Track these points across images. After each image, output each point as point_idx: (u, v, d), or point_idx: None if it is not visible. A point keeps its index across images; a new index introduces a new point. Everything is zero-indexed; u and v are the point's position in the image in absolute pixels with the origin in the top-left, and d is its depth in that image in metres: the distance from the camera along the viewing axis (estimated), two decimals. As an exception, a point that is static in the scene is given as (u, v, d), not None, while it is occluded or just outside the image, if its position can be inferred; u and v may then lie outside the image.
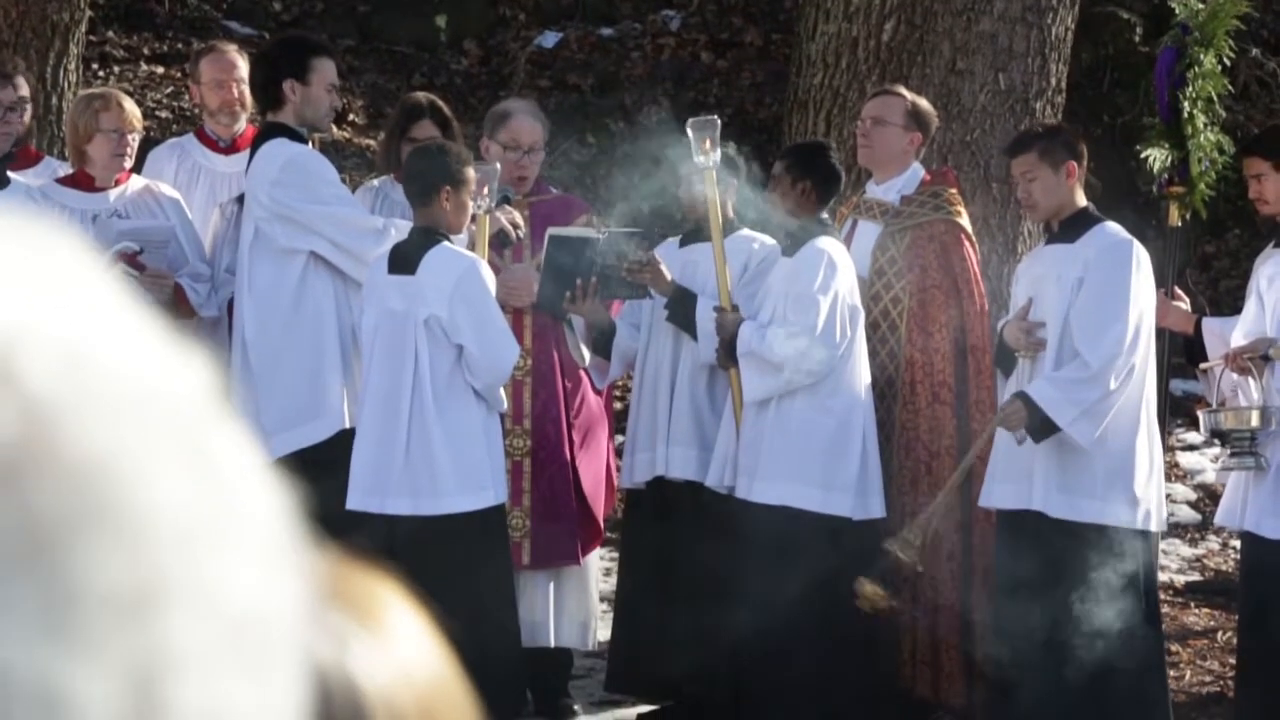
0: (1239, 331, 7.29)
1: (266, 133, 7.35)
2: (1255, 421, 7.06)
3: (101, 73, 12.40)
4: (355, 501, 6.88)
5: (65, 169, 7.81)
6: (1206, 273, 12.65)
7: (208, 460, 0.74)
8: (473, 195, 6.96)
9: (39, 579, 0.69)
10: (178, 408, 0.74)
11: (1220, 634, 9.02)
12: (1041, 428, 6.95)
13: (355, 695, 1.03)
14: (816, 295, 7.08)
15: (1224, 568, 10.13)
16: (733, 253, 7.35)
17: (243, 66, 7.99)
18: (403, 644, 1.06)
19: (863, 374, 7.23)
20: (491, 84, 12.80)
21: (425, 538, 6.78)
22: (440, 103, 7.92)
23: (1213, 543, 10.59)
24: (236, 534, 0.74)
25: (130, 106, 7.65)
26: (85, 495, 0.70)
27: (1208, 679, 8.56)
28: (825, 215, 7.32)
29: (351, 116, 12.75)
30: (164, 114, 12.35)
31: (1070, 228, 7.21)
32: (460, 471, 6.84)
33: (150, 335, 0.74)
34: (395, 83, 12.83)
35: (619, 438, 8.24)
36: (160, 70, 12.87)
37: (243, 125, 8.09)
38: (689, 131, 7.25)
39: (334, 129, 12.34)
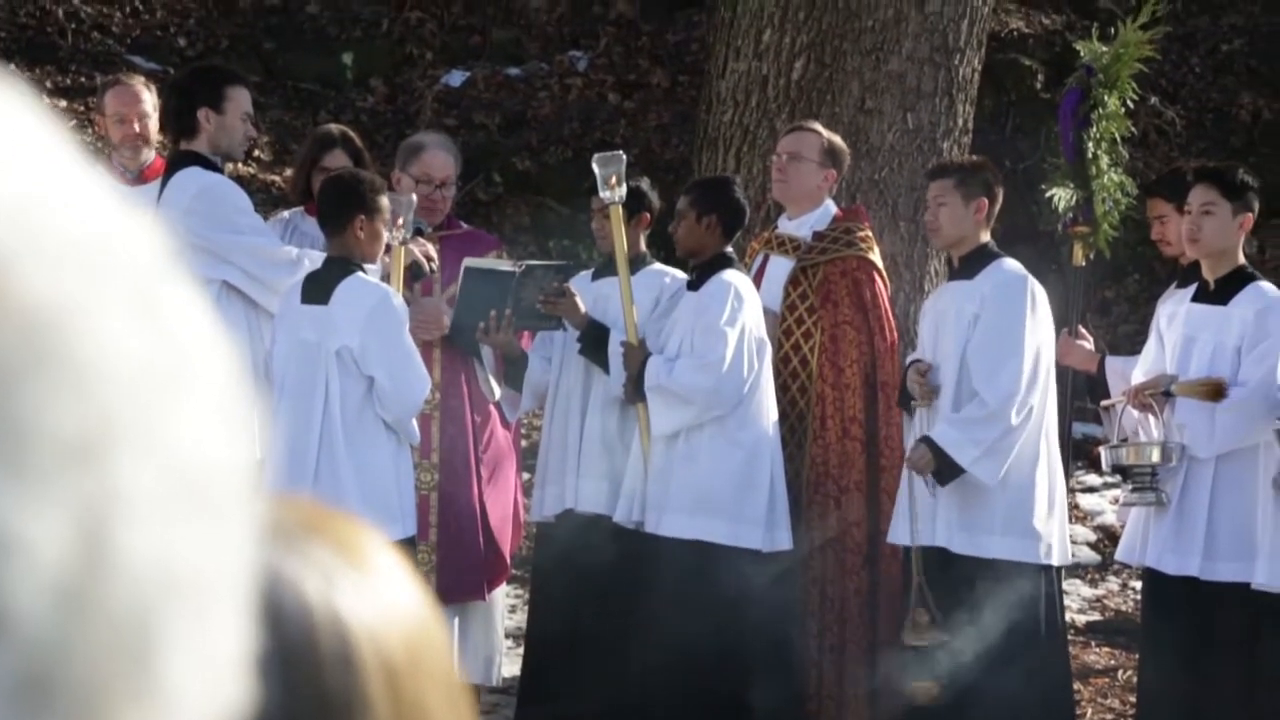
0: (1139, 369, 7.38)
1: (180, 161, 7.31)
2: (1156, 457, 7.13)
3: (4, 105, 12.30)
4: (263, 533, 6.83)
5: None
6: (1106, 317, 12.79)
7: (158, 313, 0.74)
8: (387, 225, 6.95)
9: None
10: (128, 262, 0.74)
11: (1121, 672, 9.10)
12: (947, 470, 7.01)
13: (342, 629, 1.03)
14: (724, 328, 7.12)
15: (1124, 608, 10.22)
16: (644, 287, 7.38)
17: (148, 99, 7.93)
18: (389, 584, 1.07)
19: (770, 407, 7.26)
20: (398, 122, 12.79)
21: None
22: (352, 134, 7.91)
23: (1113, 583, 10.68)
24: (187, 385, 0.74)
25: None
26: (31, 340, 0.70)
27: (1109, 717, 8.63)
28: (730, 249, 7.37)
29: (257, 153, 12.70)
30: (67, 147, 12.26)
31: (969, 264, 7.30)
32: (368, 504, 6.81)
33: (103, 194, 0.75)
34: (301, 120, 12.81)
35: (526, 475, 8.23)
36: (63, 103, 12.78)
37: (150, 156, 8.03)
38: (595, 167, 7.29)
39: (239, 164, 12.30)
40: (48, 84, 12.92)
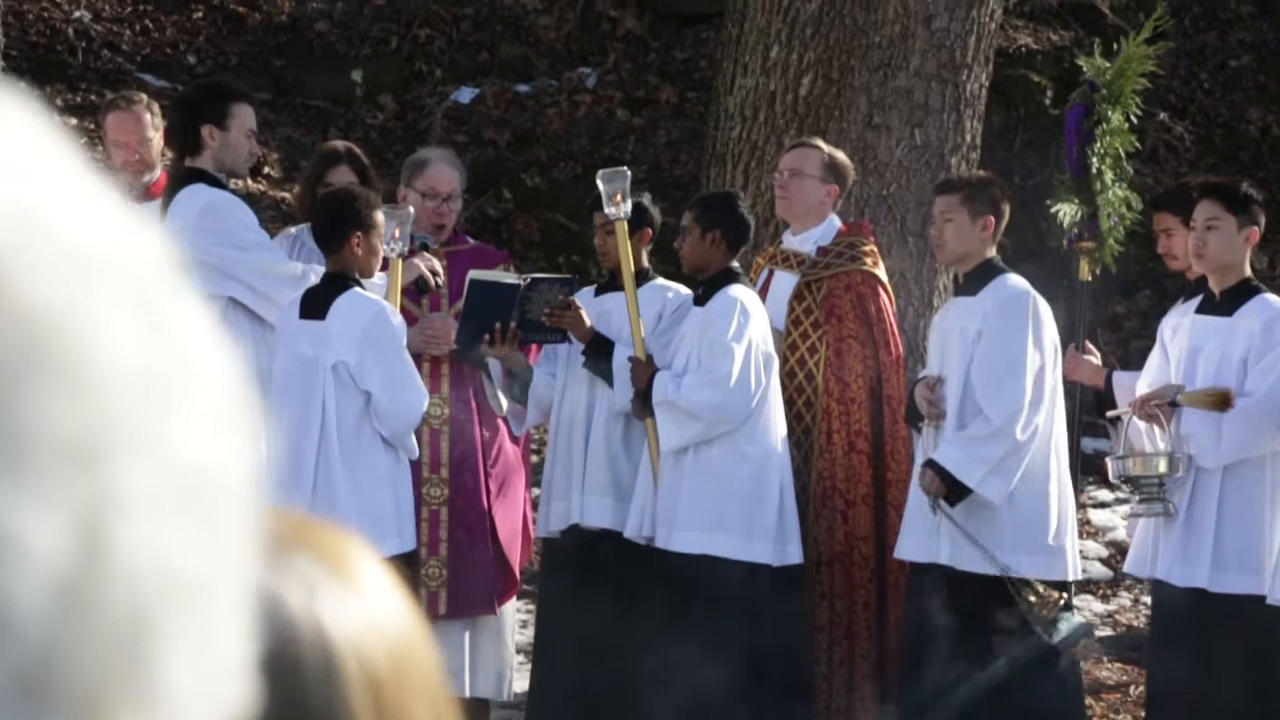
0: (1143, 380, 7.37)
1: (184, 178, 7.32)
2: (1163, 468, 7.13)
3: (14, 123, 12.33)
4: (265, 548, 6.84)
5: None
6: (1117, 333, 12.78)
7: (160, 319, 0.75)
8: (383, 239, 6.96)
9: None
10: (131, 268, 0.75)
11: (1133, 688, 9.08)
12: (954, 491, 7.00)
13: (325, 641, 1.03)
14: (730, 343, 7.13)
15: (1136, 623, 10.21)
16: (647, 302, 7.39)
17: (149, 122, 7.93)
18: (374, 596, 1.07)
19: (778, 421, 7.26)
20: (407, 138, 12.81)
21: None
22: (358, 150, 7.92)
23: (1124, 599, 10.67)
24: (187, 390, 0.75)
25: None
26: (32, 343, 0.71)
27: (1120, 731, 8.63)
28: (735, 264, 7.38)
29: (267, 170, 12.73)
30: (77, 165, 12.29)
31: (973, 280, 7.30)
32: (365, 518, 6.80)
33: (108, 201, 0.76)
34: (311, 136, 12.82)
35: (535, 490, 8.24)
36: (74, 121, 12.81)
37: (156, 174, 8.04)
38: (599, 183, 7.30)
39: (248, 181, 12.32)
40: (58, 101, 12.94)
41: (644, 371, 7.24)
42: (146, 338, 0.74)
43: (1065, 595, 7.03)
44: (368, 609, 1.06)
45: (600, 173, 7.42)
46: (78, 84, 13.12)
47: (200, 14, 13.67)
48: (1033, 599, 6.97)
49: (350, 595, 1.05)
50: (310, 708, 1.01)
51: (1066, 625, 6.98)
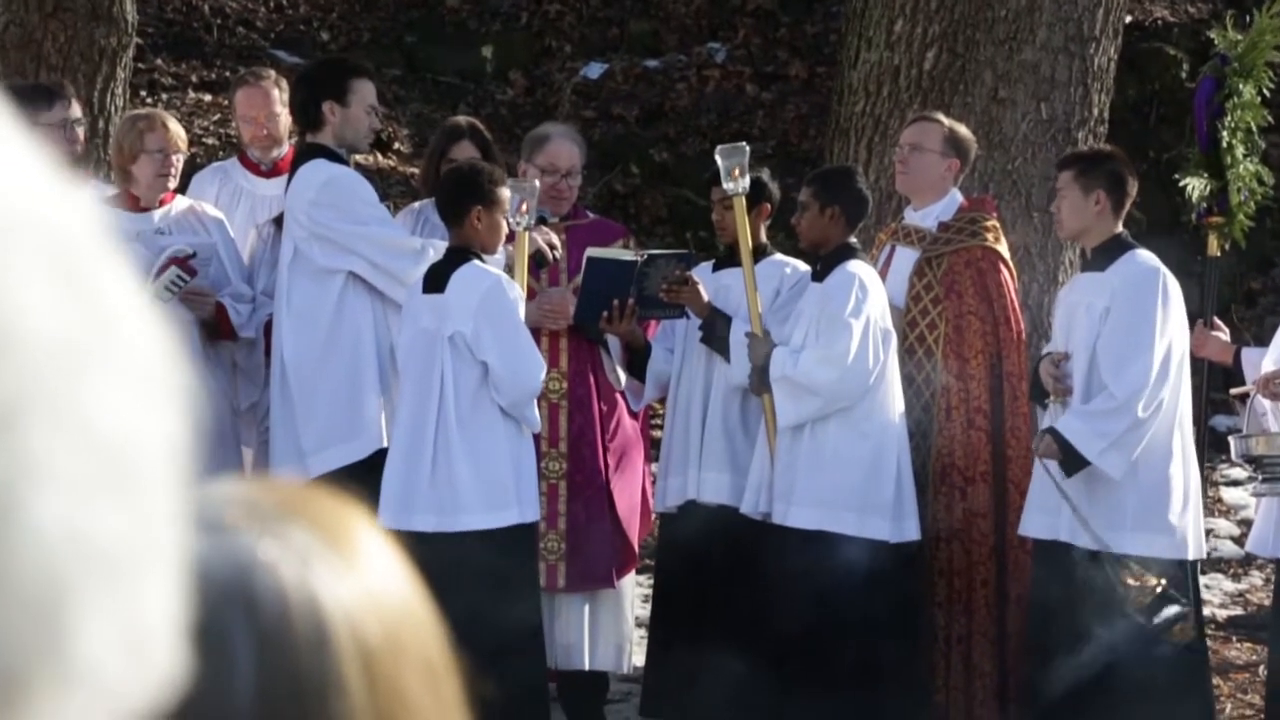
0: (1269, 358, 7.27)
1: (306, 154, 7.38)
2: (1287, 446, 7.03)
3: (150, 99, 12.48)
4: (386, 519, 6.90)
5: (110, 192, 7.85)
6: (1252, 308, 12.60)
7: (84, 286, 0.74)
8: (507, 214, 6.98)
9: None
10: (49, 236, 0.74)
11: (1261, 668, 8.97)
12: (1072, 461, 6.94)
13: (318, 614, 1.03)
14: (848, 319, 7.10)
15: (1266, 602, 10.07)
16: (764, 278, 7.37)
17: (278, 98, 8.00)
18: (371, 569, 1.07)
19: (896, 397, 7.23)
20: (536, 114, 12.83)
21: (449, 555, 6.79)
22: (480, 126, 7.94)
23: (1255, 578, 10.53)
24: (111, 360, 0.74)
25: (175, 127, 7.67)
26: None
27: (1249, 712, 8.52)
28: (854, 239, 7.34)
29: (397, 145, 12.82)
30: (211, 141, 12.44)
31: (1101, 255, 7.22)
32: (483, 489, 6.84)
33: (34, 165, 0.75)
34: (441, 112, 12.88)
35: (654, 464, 8.25)
36: (208, 98, 12.96)
37: (284, 149, 8.11)
38: (718, 159, 7.28)
39: (379, 156, 12.41)
40: (193, 78, 13.10)
41: (761, 347, 7.22)
42: (67, 304, 0.73)
43: (1163, 581, 6.95)
44: (363, 579, 1.06)
45: (719, 148, 7.41)
46: (212, 61, 13.27)
47: (333, -10, 13.79)
48: (1131, 582, 6.90)
49: (345, 565, 1.05)
50: (302, 679, 1.01)
51: (1164, 610, 6.90)
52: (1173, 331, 7.09)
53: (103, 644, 0.73)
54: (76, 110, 7.74)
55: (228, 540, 1.02)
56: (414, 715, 1.05)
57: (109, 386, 0.74)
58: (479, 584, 6.68)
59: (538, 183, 7.33)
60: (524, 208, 7.04)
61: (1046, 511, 7.07)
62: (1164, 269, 7.14)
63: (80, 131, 7.74)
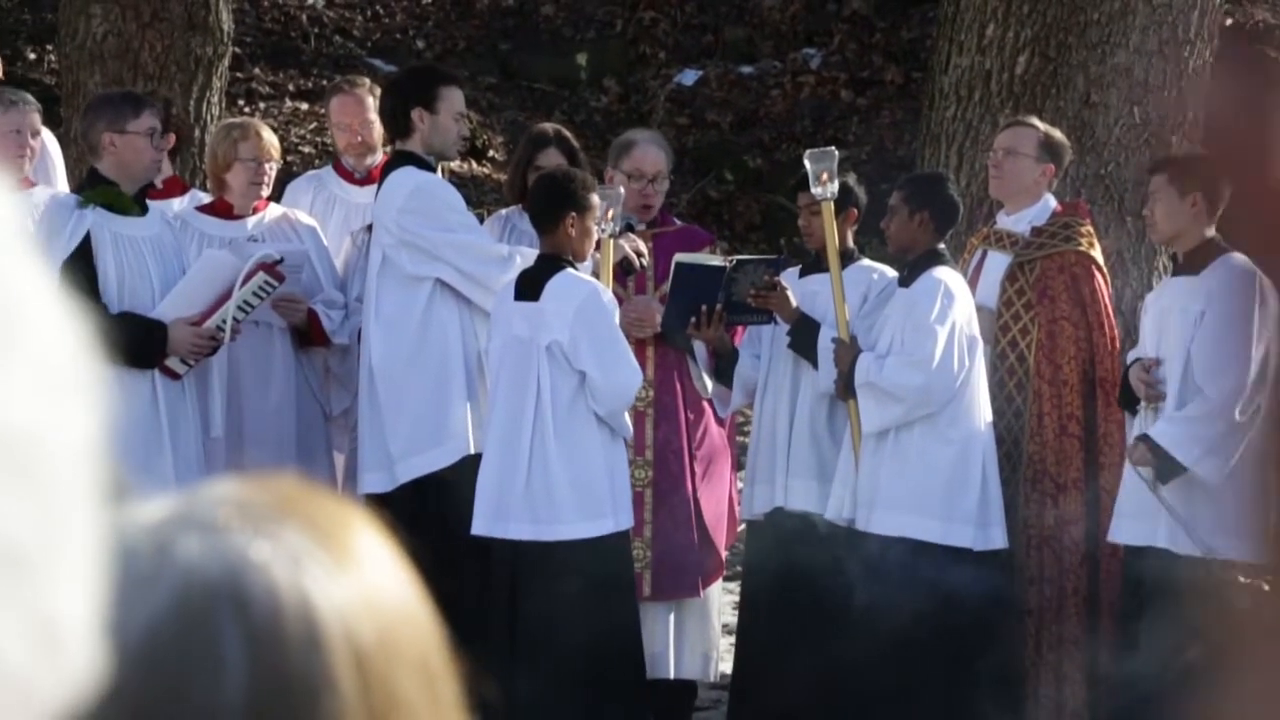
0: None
1: (395, 161, 7.42)
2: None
3: (247, 108, 12.60)
4: (480, 526, 6.92)
5: (206, 199, 7.91)
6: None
7: None
8: (597, 221, 6.99)
9: None
10: None
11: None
12: (1168, 468, 6.87)
13: (309, 614, 1.03)
14: (934, 325, 7.06)
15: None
16: (852, 283, 7.34)
17: (372, 105, 8.04)
18: (368, 571, 1.06)
19: (983, 404, 7.18)
20: (631, 121, 12.85)
21: (545, 563, 6.81)
22: (566, 133, 7.96)
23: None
24: (9, 354, 0.73)
25: (268, 135, 7.73)
26: None
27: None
28: (942, 246, 7.30)
29: (491, 152, 12.87)
30: (307, 149, 12.53)
31: (1194, 259, 7.14)
32: (580, 498, 6.86)
33: None
34: (535, 120, 12.91)
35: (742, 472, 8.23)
36: (304, 106, 13.06)
37: (378, 157, 8.15)
38: (806, 164, 7.26)
39: (473, 164, 12.45)
40: (290, 87, 13.21)
41: (847, 353, 7.19)
42: None
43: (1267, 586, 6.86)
44: (358, 580, 1.05)
45: (808, 152, 7.38)
46: (309, 69, 13.37)
47: (429, -1, 13.86)
48: (1243, 580, 6.81)
49: (339, 566, 1.05)
50: (293, 678, 1.00)
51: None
52: (1270, 334, 7.01)
53: (11, 642, 0.72)
54: (154, 120, 7.71)
55: (220, 540, 1.01)
56: (408, 716, 1.04)
57: (8, 381, 0.72)
58: (576, 591, 6.69)
59: (623, 189, 7.33)
60: (609, 214, 7.05)
61: (1139, 517, 7.00)
62: (1259, 272, 7.06)
63: (164, 141, 7.77)
